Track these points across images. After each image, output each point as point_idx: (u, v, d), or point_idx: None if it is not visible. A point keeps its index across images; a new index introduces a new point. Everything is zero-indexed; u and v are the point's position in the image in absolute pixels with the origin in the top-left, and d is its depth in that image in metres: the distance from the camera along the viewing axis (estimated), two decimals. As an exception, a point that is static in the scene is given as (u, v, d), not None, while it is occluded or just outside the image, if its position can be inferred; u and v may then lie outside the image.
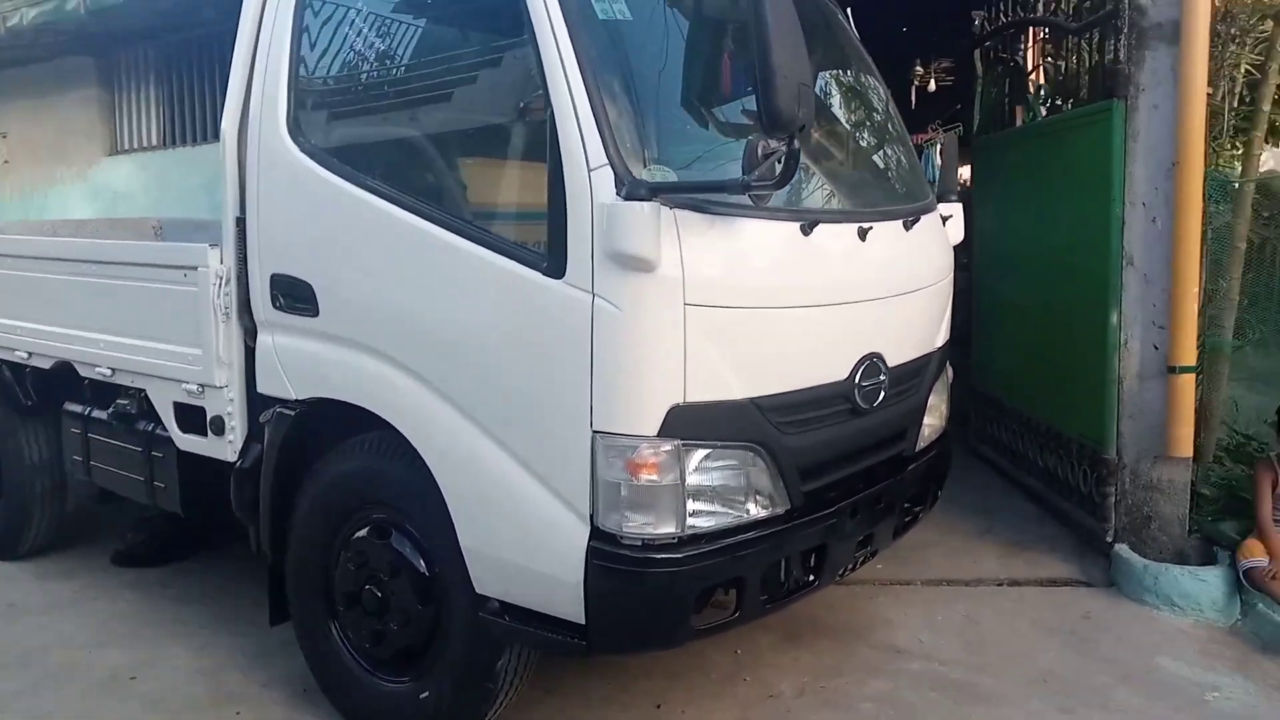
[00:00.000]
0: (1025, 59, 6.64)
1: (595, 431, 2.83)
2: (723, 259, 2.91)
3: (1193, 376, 4.58)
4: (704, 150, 3.12)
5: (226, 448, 3.88)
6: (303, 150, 3.49)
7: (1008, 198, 6.26)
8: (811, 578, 3.34)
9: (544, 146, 2.90)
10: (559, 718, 3.68)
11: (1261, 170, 5.26)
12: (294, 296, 3.54)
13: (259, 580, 3.99)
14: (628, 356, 2.80)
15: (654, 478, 2.81)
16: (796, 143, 2.54)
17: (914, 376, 3.73)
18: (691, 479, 2.87)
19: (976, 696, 3.83)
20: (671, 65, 3.20)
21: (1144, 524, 4.79)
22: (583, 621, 2.93)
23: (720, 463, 2.94)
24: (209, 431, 3.92)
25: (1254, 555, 4.37)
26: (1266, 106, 4.95)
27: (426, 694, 3.38)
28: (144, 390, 4.24)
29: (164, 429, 4.19)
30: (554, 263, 2.86)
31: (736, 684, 3.92)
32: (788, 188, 2.79)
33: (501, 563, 3.07)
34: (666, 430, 2.82)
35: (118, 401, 4.38)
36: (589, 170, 2.79)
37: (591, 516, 2.86)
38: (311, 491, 3.63)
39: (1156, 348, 4.70)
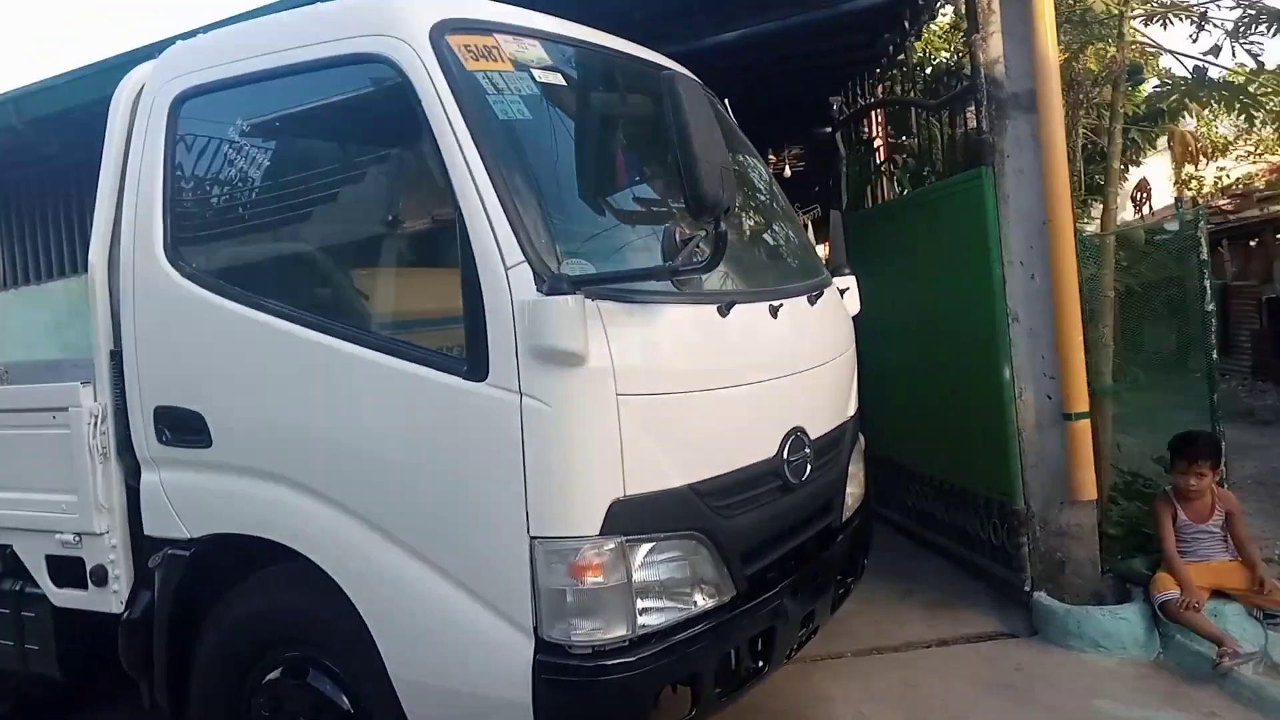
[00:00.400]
0: (881, 137, 6.96)
1: (534, 537, 2.69)
2: (648, 346, 2.85)
3: (1088, 422, 4.74)
4: (612, 240, 3.08)
5: (111, 599, 3.55)
6: (184, 275, 3.29)
7: (885, 268, 6.44)
8: (760, 663, 3.24)
9: (451, 249, 2.81)
10: None
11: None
12: (182, 429, 3.30)
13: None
14: (563, 454, 2.69)
15: (599, 579, 2.68)
16: (723, 225, 2.53)
17: (833, 447, 3.73)
18: (638, 575, 2.75)
19: (931, 765, 3.76)
20: (568, 160, 3.18)
21: (1058, 569, 4.89)
22: (530, 739, 2.74)
23: (664, 555, 2.83)
24: (89, 583, 3.57)
25: (1166, 589, 4.50)
26: (1116, 164, 5.30)
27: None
28: (9, 546, 3.86)
29: (35, 585, 3.81)
30: (474, 366, 2.74)
31: (689, 786, 3.74)
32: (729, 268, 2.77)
33: (438, 690, 2.86)
34: (609, 527, 2.70)
35: None
36: (506, 269, 2.70)
37: (535, 628, 2.70)
38: (214, 637, 3.33)
39: (1050, 397, 4.87)
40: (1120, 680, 4.32)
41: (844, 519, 3.85)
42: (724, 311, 3.09)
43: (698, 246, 2.64)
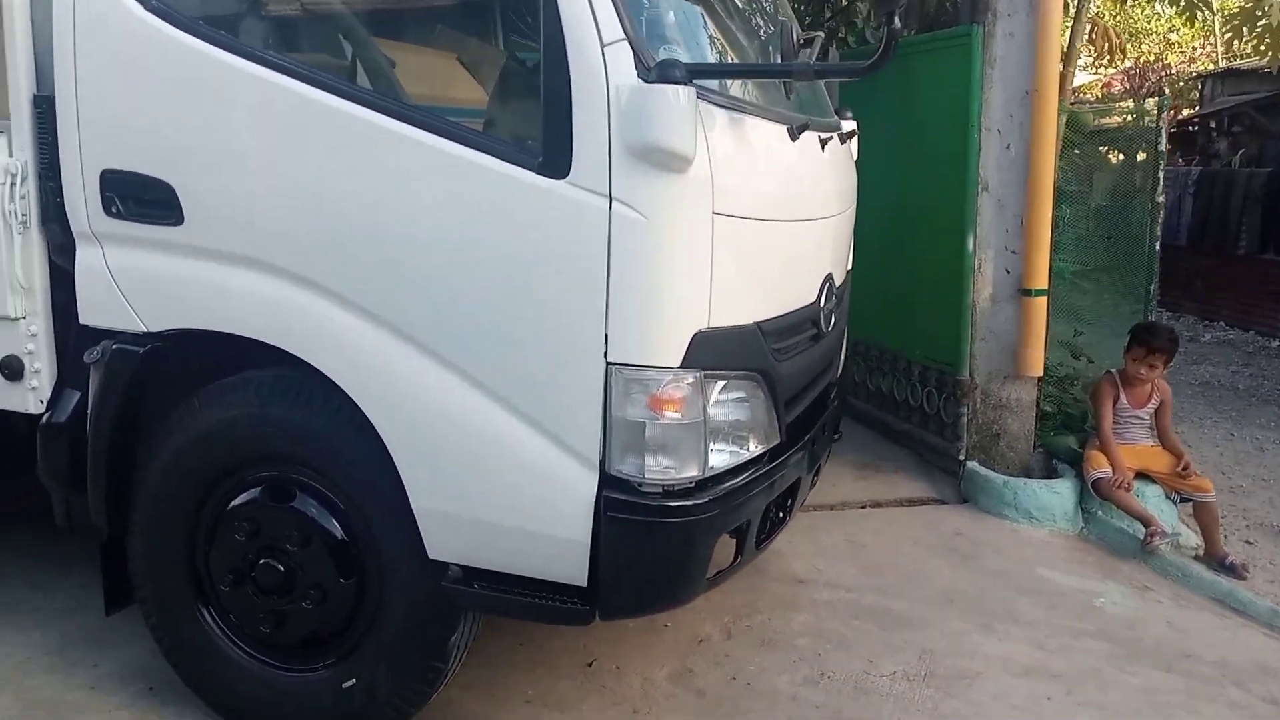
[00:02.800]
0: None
1: (611, 364, 2.37)
2: (740, 162, 2.53)
3: (1045, 299, 4.78)
4: (702, 34, 2.69)
5: (27, 396, 2.98)
6: (151, 9, 2.65)
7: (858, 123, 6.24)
8: (782, 514, 3.10)
9: (526, 13, 2.37)
10: (491, 688, 3.21)
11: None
12: (141, 200, 2.72)
13: (43, 557, 3.22)
14: (654, 273, 2.36)
15: (677, 415, 2.41)
16: (897, 21, 2.21)
17: (841, 300, 3.56)
18: (711, 414, 2.51)
19: (898, 621, 3.79)
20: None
21: (993, 441, 5.00)
22: (584, 584, 2.50)
23: (733, 395, 2.59)
24: (1, 375, 2.98)
25: (1100, 467, 4.67)
26: (1080, 42, 5.23)
27: (353, 682, 2.79)
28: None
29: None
30: (552, 159, 2.34)
31: (660, 633, 3.63)
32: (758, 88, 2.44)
33: (472, 524, 2.55)
34: (690, 359, 2.42)
35: None
36: (602, 45, 2.29)
37: (602, 462, 2.42)
38: (171, 447, 2.85)
39: (1008, 271, 4.86)
40: (1055, 551, 4.49)
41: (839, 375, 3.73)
42: (794, 135, 2.81)
43: (824, 48, 2.32)
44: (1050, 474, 4.93)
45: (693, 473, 2.47)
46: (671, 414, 2.41)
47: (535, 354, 2.43)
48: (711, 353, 2.47)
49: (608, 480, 2.43)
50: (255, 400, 2.76)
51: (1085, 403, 5.12)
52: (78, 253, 2.85)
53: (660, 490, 2.44)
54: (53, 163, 2.82)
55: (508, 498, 2.51)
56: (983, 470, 4.89)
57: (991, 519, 4.75)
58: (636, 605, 2.63)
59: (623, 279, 2.34)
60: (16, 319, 2.94)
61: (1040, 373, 4.88)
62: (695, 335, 2.42)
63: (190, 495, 2.86)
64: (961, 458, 5.01)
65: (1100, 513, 4.68)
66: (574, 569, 2.49)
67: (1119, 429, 4.80)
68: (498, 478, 2.51)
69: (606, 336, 2.36)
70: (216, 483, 2.84)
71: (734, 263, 2.51)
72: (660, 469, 2.42)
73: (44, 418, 2.99)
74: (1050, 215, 4.72)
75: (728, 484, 2.59)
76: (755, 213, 2.60)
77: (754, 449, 2.71)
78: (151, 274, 2.77)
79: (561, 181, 2.34)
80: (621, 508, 2.42)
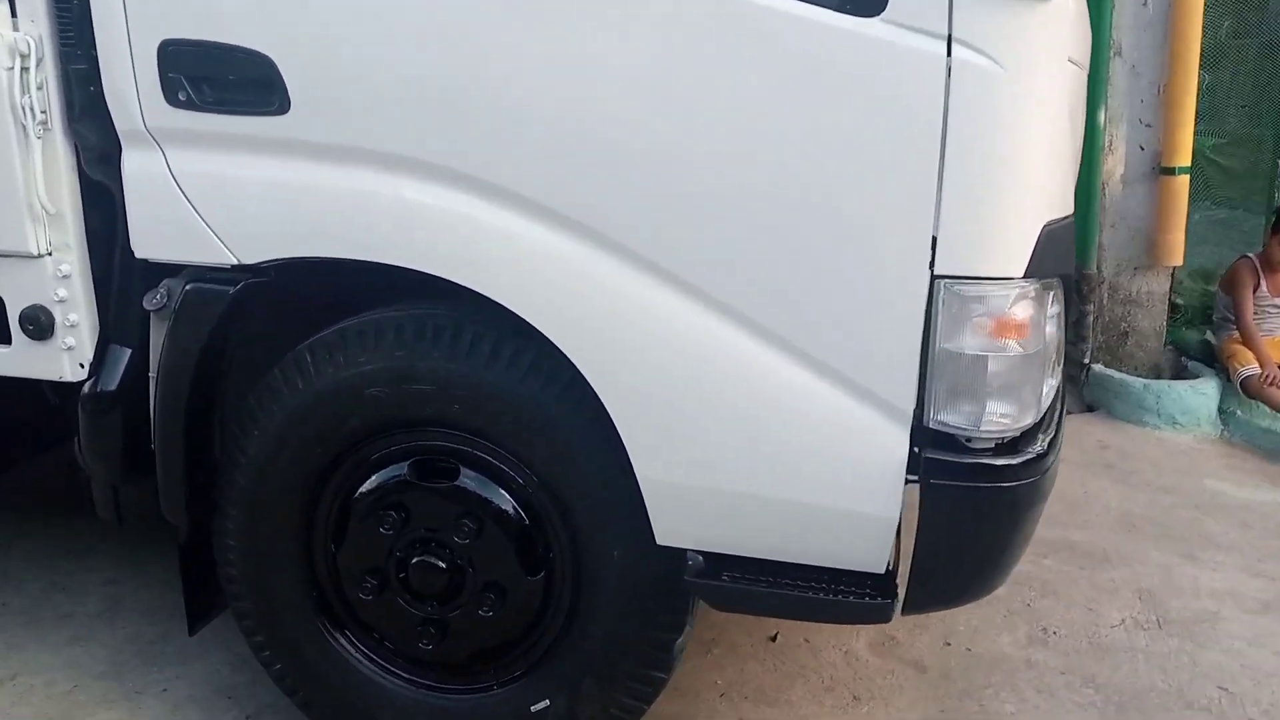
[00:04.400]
0: None
1: (938, 277, 1.73)
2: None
3: (1186, 179, 4.24)
4: None
5: (62, 359, 2.22)
6: None
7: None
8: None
9: None
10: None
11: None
12: (223, 81, 1.95)
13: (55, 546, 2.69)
14: (1008, 147, 1.71)
15: (1023, 342, 1.80)
16: None
17: None
18: (1050, 336, 1.90)
19: (1091, 556, 3.30)
20: None
21: (1120, 341, 4.50)
22: (882, 570, 1.90)
23: (1055, 310, 1.98)
24: (20, 336, 2.21)
25: (1247, 363, 4.21)
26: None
27: (545, 704, 2.17)
28: None
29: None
30: (859, -9, 1.66)
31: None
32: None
33: (725, 499, 1.91)
34: (1034, 266, 1.79)
35: None
36: None
37: (916, 413, 1.80)
38: (274, 418, 2.13)
39: (1143, 148, 4.30)
40: (1210, 459, 4.05)
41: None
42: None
43: None
44: (1179, 373, 4.47)
45: (1029, 419, 1.86)
46: (1015, 341, 1.79)
47: (826, 271, 1.77)
48: (1049, 255, 1.85)
49: (924, 436, 1.81)
50: (397, 349, 2.04)
51: (1215, 293, 4.63)
52: (125, 161, 2.07)
53: (992, 446, 1.83)
54: (81, 35, 2.03)
55: (779, 463, 1.87)
56: (1115, 374, 4.41)
57: (1131, 427, 4.27)
58: (947, 595, 2.03)
59: (965, 156, 1.67)
60: (40, 256, 2.16)
61: (1180, 261, 4.37)
62: (1043, 230, 1.80)
63: (306, 477, 2.16)
64: (1086, 360, 4.50)
65: (1240, 413, 4.25)
66: (873, 552, 1.88)
67: (1259, 319, 4.33)
68: (765, 437, 1.86)
69: (934, 240, 1.71)
70: (341, 459, 2.15)
71: (1068, 128, 1.88)
72: (997, 417, 1.81)
73: (86, 385, 2.24)
74: (1195, 82, 4.14)
75: (1050, 433, 2.00)
76: (1083, 58, 1.95)
77: (1057, 378, 2.12)
78: (241, 183, 2.01)
79: (875, 20, 1.65)
80: (945, 471, 1.81)
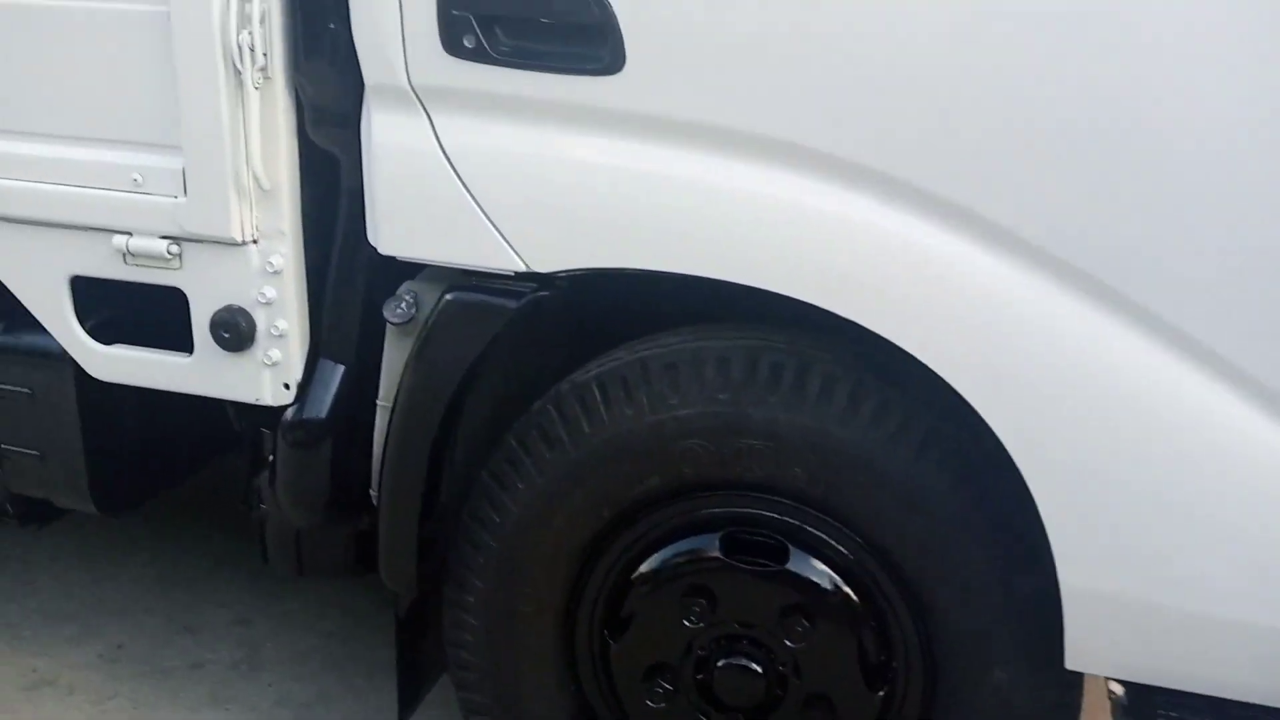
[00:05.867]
0: None
1: None
2: None
3: None
4: None
5: (261, 377, 1.74)
6: None
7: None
8: None
9: None
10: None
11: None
12: (530, 26, 1.45)
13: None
14: None
15: None
16: None
17: None
18: None
19: None
20: None
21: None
22: None
23: None
24: (212, 341, 1.72)
25: None
26: None
27: None
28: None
29: (32, 332, 1.90)
30: None
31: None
32: None
33: (1192, 619, 1.42)
34: None
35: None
36: None
37: None
38: (545, 468, 1.64)
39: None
40: None
41: None
42: None
43: None
44: None
45: None
46: None
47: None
48: None
49: None
50: (721, 390, 1.54)
51: None
52: (371, 126, 1.58)
53: None
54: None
55: (1269, 578, 1.38)
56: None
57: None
58: None
59: None
60: (243, 243, 1.67)
61: None
62: None
63: (579, 545, 1.67)
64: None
65: None
66: None
67: None
68: (1254, 541, 1.37)
69: None
70: (625, 525, 1.67)
71: None
72: None
73: (288, 410, 1.75)
74: None
75: None
76: None
77: None
78: (541, 165, 1.50)
79: None
80: None
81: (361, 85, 1.58)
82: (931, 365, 1.41)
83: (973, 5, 1.30)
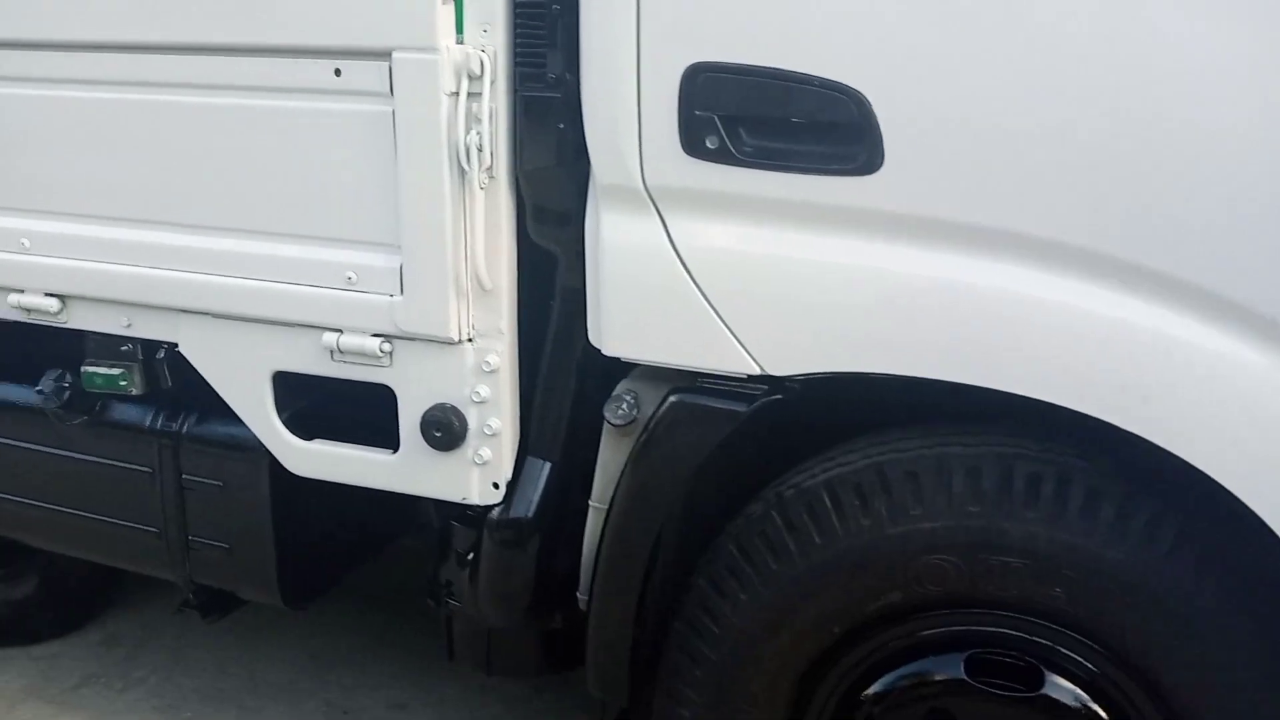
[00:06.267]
0: None
1: None
2: None
3: None
4: None
5: (469, 476, 1.69)
6: None
7: None
8: None
9: None
10: None
11: None
12: (780, 126, 1.39)
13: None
14: None
15: None
16: None
17: None
18: None
19: None
20: None
21: None
22: None
23: None
24: (419, 440, 1.67)
25: None
26: None
27: None
28: (169, 344, 1.86)
29: (220, 423, 1.88)
30: None
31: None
32: None
33: None
34: None
35: (94, 370, 1.91)
36: None
37: None
38: (771, 580, 1.55)
39: None
40: None
41: None
42: None
43: None
44: None
45: None
46: None
47: None
48: None
49: None
50: (972, 502, 1.45)
51: None
52: (599, 224, 1.53)
53: None
54: (554, 51, 1.49)
55: None
56: None
57: None
58: None
59: None
60: (459, 342, 1.63)
61: None
62: None
63: (805, 660, 1.58)
64: None
65: None
66: None
67: None
68: None
69: None
70: (856, 641, 1.57)
71: None
72: None
73: (496, 509, 1.70)
74: None
75: None
76: None
77: None
78: (783, 267, 1.44)
79: None
80: None
81: (585, 184, 1.55)
82: (1219, 478, 1.30)
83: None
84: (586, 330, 1.63)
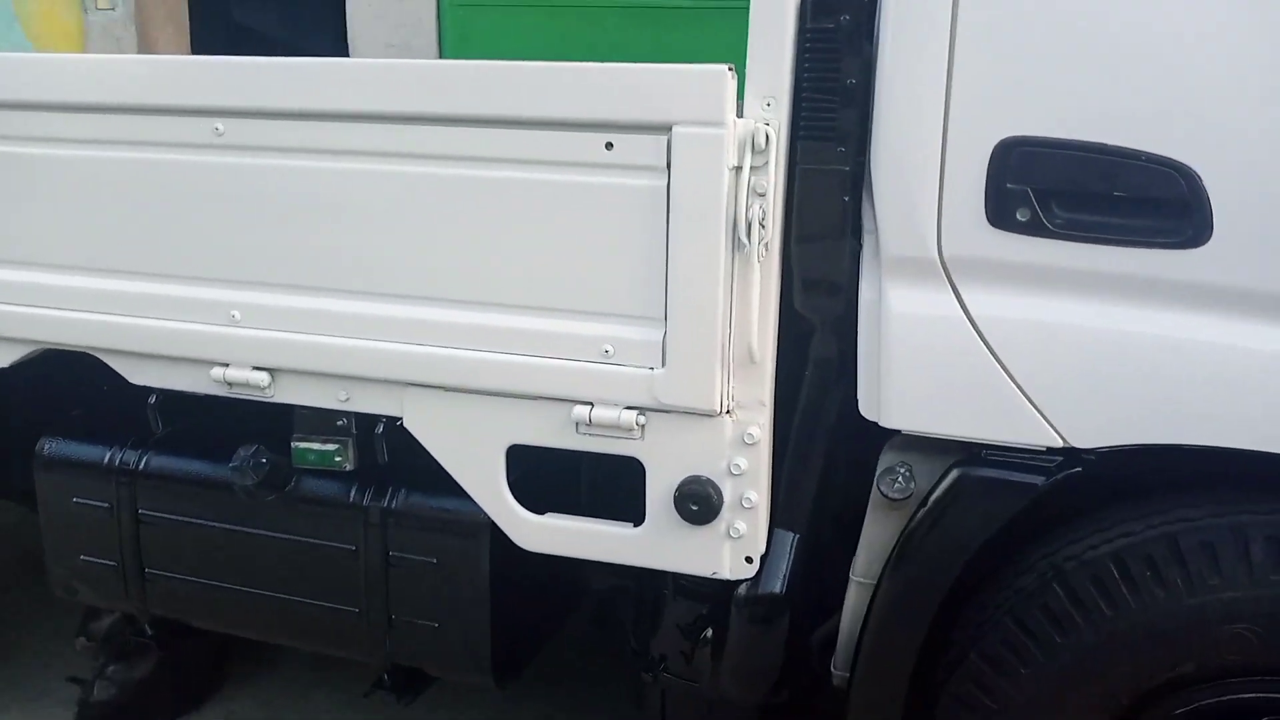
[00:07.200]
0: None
1: None
2: None
3: None
4: None
5: (721, 550, 1.65)
6: None
7: None
8: None
9: None
10: None
11: None
12: (1099, 200, 1.39)
13: None
14: None
15: None
16: None
17: None
18: None
19: None
20: None
21: None
22: None
23: None
24: (670, 514, 1.63)
25: None
26: None
27: None
28: (392, 418, 1.80)
29: (440, 499, 1.82)
30: None
31: None
32: None
33: None
34: None
35: (306, 445, 1.84)
36: None
37: None
38: (1062, 651, 1.53)
39: None
40: None
41: None
42: None
43: None
44: None
45: None
46: None
47: None
48: None
49: None
50: (1273, 572, 1.45)
51: None
52: (886, 297, 1.52)
53: None
54: (845, 124, 1.48)
55: None
56: None
57: None
58: None
59: None
60: (718, 414, 1.60)
61: None
62: None
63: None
64: None
65: None
66: None
67: None
68: None
69: None
70: (1141, 713, 1.55)
71: None
72: None
73: (744, 584, 1.67)
74: None
75: None
76: None
77: None
78: (1096, 339, 1.44)
79: None
80: None
81: (858, 254, 1.54)
82: None
83: None
84: (837, 400, 1.62)
